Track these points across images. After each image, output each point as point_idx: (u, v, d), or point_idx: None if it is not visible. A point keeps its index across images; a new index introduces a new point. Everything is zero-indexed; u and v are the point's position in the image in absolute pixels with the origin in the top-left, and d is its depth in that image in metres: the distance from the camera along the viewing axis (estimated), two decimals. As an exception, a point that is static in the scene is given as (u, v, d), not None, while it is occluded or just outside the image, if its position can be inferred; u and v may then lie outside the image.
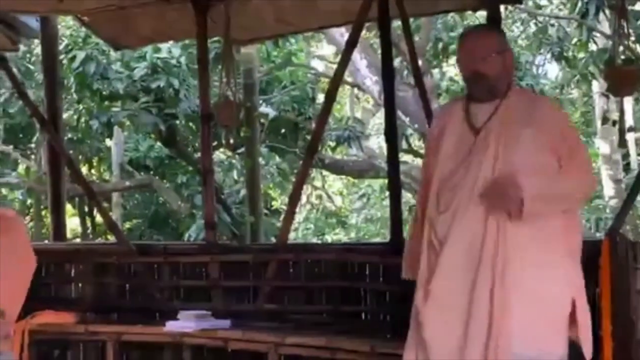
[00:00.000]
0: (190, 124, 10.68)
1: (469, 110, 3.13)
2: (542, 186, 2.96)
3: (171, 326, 4.73)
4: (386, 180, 4.94)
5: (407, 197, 13.25)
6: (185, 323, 4.69)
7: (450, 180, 3.06)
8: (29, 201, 13.70)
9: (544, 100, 3.27)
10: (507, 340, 2.91)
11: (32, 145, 12.58)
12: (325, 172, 14.69)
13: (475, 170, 3.01)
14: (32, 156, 12.74)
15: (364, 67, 10.88)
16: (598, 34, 10.26)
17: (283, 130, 11.36)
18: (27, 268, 5.11)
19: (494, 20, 4.45)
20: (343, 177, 15.63)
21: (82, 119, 10.62)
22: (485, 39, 3.16)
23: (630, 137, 11.71)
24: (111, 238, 6.62)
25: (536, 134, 2.99)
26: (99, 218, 12.76)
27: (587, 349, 3.01)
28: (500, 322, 2.91)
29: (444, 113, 3.30)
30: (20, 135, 12.34)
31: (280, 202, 13.93)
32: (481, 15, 8.63)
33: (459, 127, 3.13)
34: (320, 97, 10.36)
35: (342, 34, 10.17)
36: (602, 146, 11.60)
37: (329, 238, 15.90)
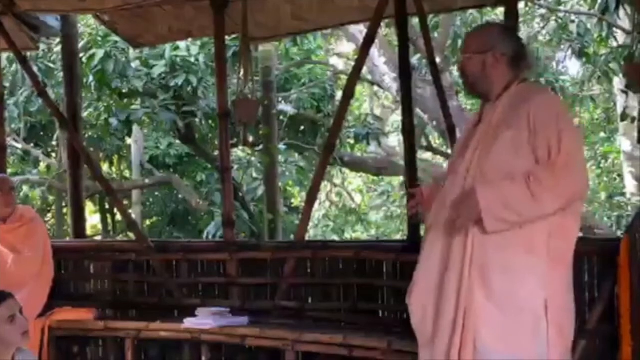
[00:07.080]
0: (209, 121, 10.70)
1: (484, 109, 3.15)
2: (504, 194, 2.86)
3: (189, 323, 4.75)
4: (404, 178, 4.92)
5: (426, 195, 13.18)
6: (203, 320, 4.72)
7: (449, 177, 3.14)
8: (50, 199, 13.79)
9: (539, 97, 2.99)
10: (471, 339, 2.90)
11: (53, 144, 12.65)
12: (344, 170, 14.66)
13: (456, 168, 3.08)
14: (53, 154, 12.81)
15: (382, 64, 10.84)
16: (618, 30, 10.16)
17: (302, 128, 11.35)
18: (47, 268, 5.17)
19: (511, 16, 4.41)
20: (362, 174, 15.59)
21: (102, 117, 10.65)
22: (472, 37, 3.18)
23: (650, 133, 11.56)
24: (132, 235, 6.65)
25: (517, 136, 2.92)
26: (119, 216, 12.82)
27: (555, 354, 2.92)
28: (466, 321, 2.91)
29: (477, 110, 3.29)
30: (41, 134, 12.39)
31: (300, 199, 13.91)
32: (501, 12, 8.58)
33: (472, 125, 3.17)
34: (339, 95, 10.34)
35: (361, 31, 10.13)
36: (624, 143, 11.49)
37: (348, 235, 15.88)
